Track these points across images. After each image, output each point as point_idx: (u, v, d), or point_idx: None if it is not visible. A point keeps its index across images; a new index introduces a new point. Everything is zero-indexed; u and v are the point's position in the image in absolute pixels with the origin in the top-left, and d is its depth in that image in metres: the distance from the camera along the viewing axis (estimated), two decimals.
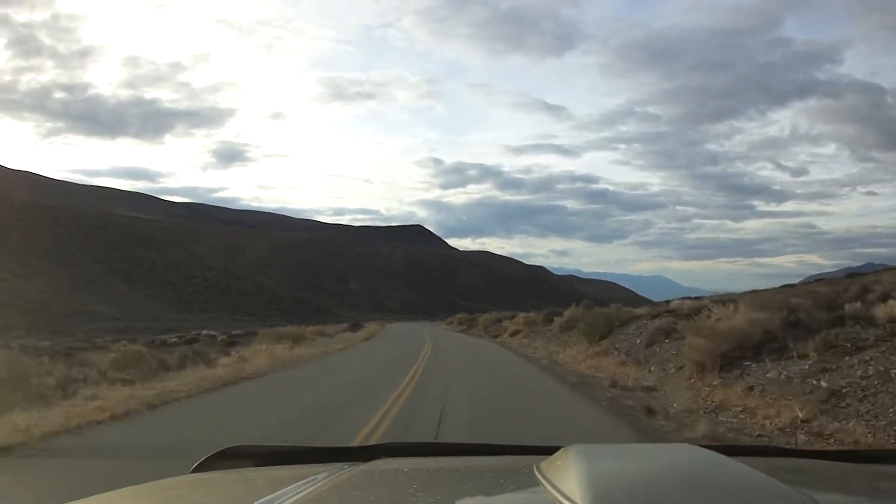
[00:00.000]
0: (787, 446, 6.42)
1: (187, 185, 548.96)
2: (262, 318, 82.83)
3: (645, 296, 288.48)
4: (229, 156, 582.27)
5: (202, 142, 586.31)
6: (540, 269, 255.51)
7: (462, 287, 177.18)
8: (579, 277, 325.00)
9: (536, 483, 1.20)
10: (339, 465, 1.47)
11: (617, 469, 1.24)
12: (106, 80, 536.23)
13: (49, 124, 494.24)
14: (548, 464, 1.28)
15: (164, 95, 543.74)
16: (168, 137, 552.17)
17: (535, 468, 1.27)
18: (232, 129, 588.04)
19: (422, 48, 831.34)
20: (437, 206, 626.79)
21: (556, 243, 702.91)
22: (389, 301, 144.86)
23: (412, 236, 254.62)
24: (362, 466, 1.48)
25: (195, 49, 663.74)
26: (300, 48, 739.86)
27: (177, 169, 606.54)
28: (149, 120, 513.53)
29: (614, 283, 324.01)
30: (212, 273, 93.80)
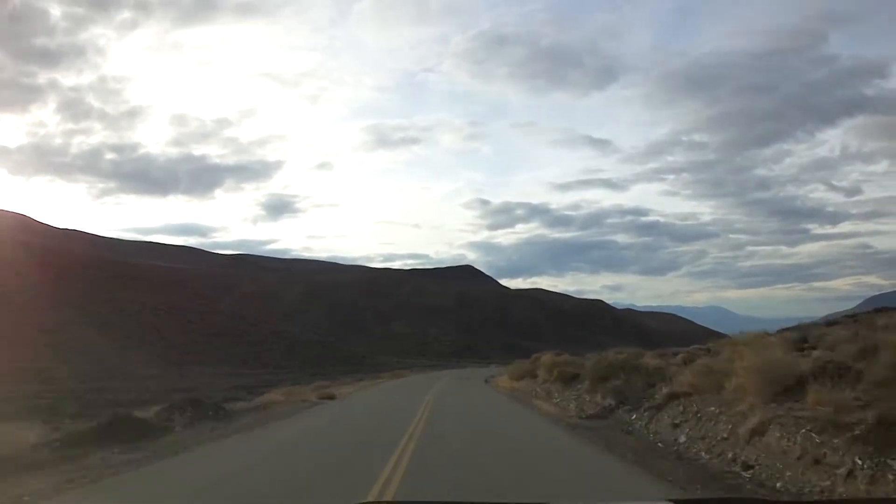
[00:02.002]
0: (773, 498, 6.17)
1: (238, 239, 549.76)
2: (276, 371, 69.71)
3: (705, 325, 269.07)
4: (278, 207, 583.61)
5: (251, 195, 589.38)
6: (598, 303, 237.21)
7: (518, 325, 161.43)
8: (636, 310, 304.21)
9: None
10: None
11: None
12: (154, 139, 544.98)
13: (101, 185, 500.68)
14: None
15: (213, 151, 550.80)
16: (218, 192, 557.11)
17: None
18: (280, 181, 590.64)
19: (463, 90, 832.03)
20: (486, 247, 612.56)
21: (608, 279, 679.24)
22: (438, 343, 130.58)
23: (462, 276, 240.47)
24: None
25: (241, 104, 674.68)
26: (343, 97, 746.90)
27: (228, 223, 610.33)
28: (198, 176, 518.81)
29: (673, 315, 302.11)
30: (221, 318, 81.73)
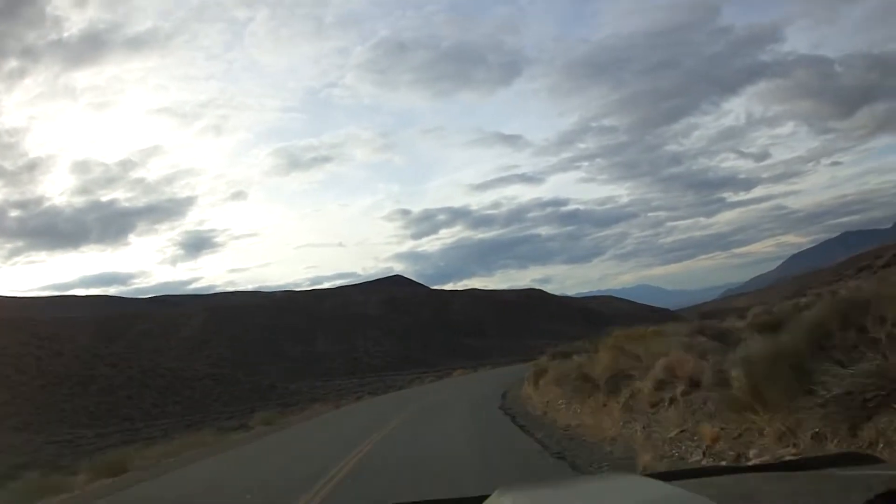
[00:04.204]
0: (735, 464, 5.79)
1: (161, 282, 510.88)
2: (142, 421, 48.58)
3: (644, 303, 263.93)
4: (196, 244, 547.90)
5: (167, 235, 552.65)
6: (537, 291, 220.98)
7: (459, 324, 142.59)
8: (574, 297, 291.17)
9: None
10: None
11: None
12: (59, 190, 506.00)
13: (9, 245, 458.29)
14: None
15: (120, 195, 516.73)
16: (132, 237, 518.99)
17: None
18: (194, 218, 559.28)
19: (369, 102, 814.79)
20: (413, 257, 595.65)
21: (537, 272, 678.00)
22: (369, 357, 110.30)
23: (391, 285, 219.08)
24: None
25: (143, 143, 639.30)
26: (248, 123, 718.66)
27: (146, 267, 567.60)
28: (109, 223, 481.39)
29: (612, 297, 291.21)
30: (64, 362, 58.99)
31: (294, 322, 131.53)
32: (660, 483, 1.36)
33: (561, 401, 14.63)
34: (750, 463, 5.71)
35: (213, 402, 57.58)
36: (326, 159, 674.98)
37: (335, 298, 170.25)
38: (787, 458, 5.05)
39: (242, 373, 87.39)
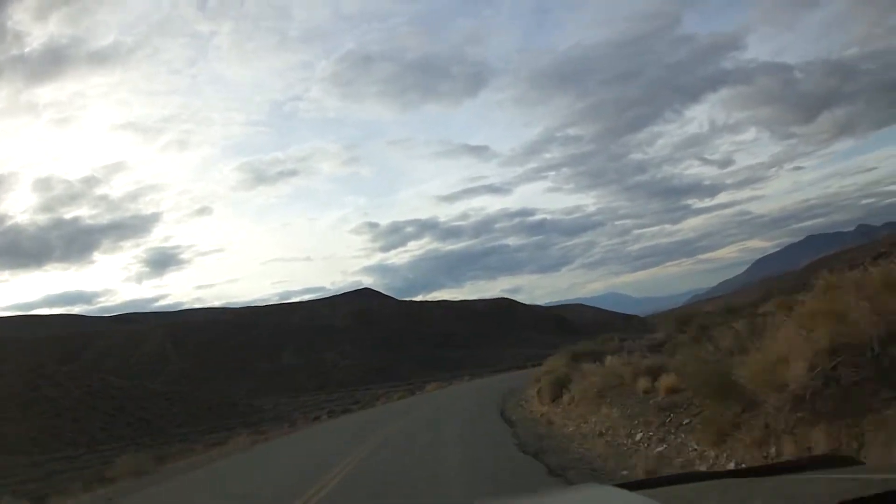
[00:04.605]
0: (706, 469, 5.74)
1: (126, 300, 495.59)
2: (86, 446, 44.40)
3: (614, 310, 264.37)
4: (162, 261, 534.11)
5: (132, 252, 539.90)
6: (507, 301, 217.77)
7: (433, 335, 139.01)
8: (544, 306, 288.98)
9: None
10: None
11: None
12: (21, 208, 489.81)
13: None
14: None
15: (84, 213, 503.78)
16: (96, 255, 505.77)
17: None
18: (160, 234, 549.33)
19: (335, 115, 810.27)
20: (381, 269, 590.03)
21: (506, 282, 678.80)
22: (338, 370, 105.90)
23: (361, 297, 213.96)
24: None
25: (107, 159, 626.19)
26: (213, 138, 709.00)
27: (111, 286, 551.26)
28: (72, 241, 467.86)
29: (582, 305, 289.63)
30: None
31: (260, 337, 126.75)
32: (633, 494, 1.37)
33: (630, 430, 9.00)
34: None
35: (167, 423, 53.25)
36: (293, 173, 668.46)
37: (302, 312, 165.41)
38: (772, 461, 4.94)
39: (206, 390, 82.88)
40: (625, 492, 1.42)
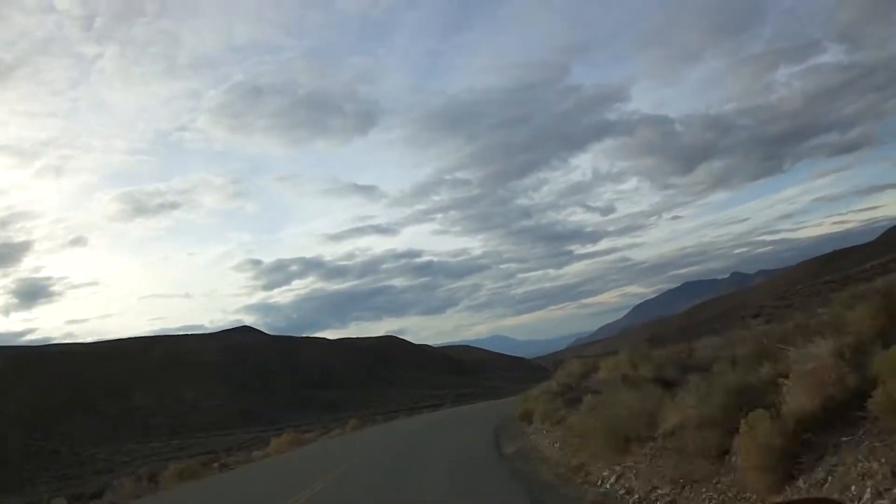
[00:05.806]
0: None
1: None
2: None
3: (501, 352, 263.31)
4: (32, 293, 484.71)
5: None
6: (393, 339, 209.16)
7: (309, 373, 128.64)
8: (435, 346, 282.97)
9: None
10: None
11: None
12: None
13: None
14: None
15: None
16: None
17: None
18: (30, 264, 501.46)
19: (221, 147, 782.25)
20: (263, 308, 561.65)
21: (391, 323, 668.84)
22: (198, 412, 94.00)
23: (234, 335, 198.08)
24: None
25: None
26: (92, 165, 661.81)
27: None
28: None
29: (468, 346, 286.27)
30: None
31: (110, 372, 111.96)
32: None
33: None
34: None
35: None
36: (174, 205, 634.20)
37: (165, 346, 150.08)
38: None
39: (36, 434, 69.82)
40: None
